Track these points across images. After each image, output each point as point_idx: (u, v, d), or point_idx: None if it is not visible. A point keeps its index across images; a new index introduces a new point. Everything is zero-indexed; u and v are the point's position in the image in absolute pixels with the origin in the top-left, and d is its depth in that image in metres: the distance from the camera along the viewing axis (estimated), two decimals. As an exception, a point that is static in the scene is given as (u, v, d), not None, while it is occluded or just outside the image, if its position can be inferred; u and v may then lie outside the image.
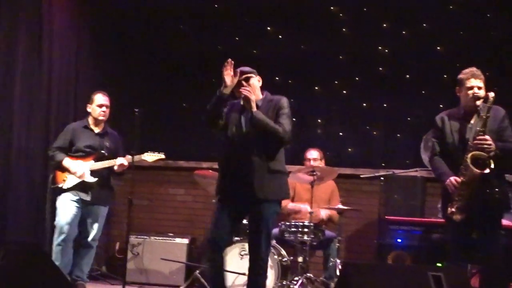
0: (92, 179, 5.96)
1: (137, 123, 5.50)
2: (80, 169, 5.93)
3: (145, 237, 7.44)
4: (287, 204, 6.57)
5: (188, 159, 8.08)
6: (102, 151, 6.05)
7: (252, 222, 4.82)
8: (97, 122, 6.17)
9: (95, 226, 6.08)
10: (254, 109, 4.67)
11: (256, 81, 4.85)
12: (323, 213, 6.68)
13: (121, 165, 5.97)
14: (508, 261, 5.67)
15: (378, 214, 6.94)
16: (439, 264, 5.31)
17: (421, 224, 6.27)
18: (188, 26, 8.31)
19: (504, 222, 5.80)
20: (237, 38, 8.20)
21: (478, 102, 4.86)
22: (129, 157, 5.95)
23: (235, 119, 4.81)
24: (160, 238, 7.45)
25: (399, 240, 6.57)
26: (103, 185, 6.07)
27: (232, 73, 4.72)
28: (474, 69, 4.95)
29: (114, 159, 5.98)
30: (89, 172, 5.96)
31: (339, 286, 4.22)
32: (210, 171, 6.80)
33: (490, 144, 4.69)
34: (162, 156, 6.18)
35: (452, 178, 4.80)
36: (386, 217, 6.50)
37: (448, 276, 4.02)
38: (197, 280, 6.72)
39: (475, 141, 4.71)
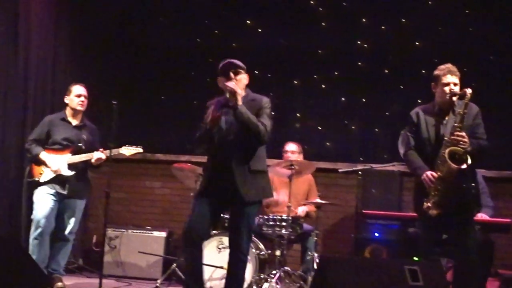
0: (69, 173, 5.92)
1: (115, 115, 5.45)
2: (56, 163, 5.89)
3: (123, 230, 7.41)
4: None
5: (166, 152, 8.06)
6: (79, 144, 6.00)
7: (234, 220, 4.85)
8: (75, 114, 6.12)
9: (72, 219, 6.04)
10: (240, 102, 4.66)
11: (244, 77, 4.84)
12: (300, 210, 6.70)
13: (98, 158, 5.93)
14: (484, 255, 5.74)
15: (355, 208, 6.97)
16: (415, 258, 5.34)
17: (398, 218, 6.29)
18: (167, 18, 8.27)
19: (481, 216, 5.88)
20: (216, 31, 8.18)
21: (454, 98, 4.89)
22: (106, 150, 5.91)
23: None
24: (138, 231, 7.42)
25: (376, 234, 6.61)
26: (79, 178, 6.02)
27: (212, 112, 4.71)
28: (449, 65, 4.97)
29: (92, 153, 5.94)
30: (66, 165, 5.92)
31: (316, 279, 4.24)
32: (188, 164, 6.78)
33: (466, 141, 4.73)
34: (140, 150, 6.15)
35: (429, 173, 4.83)
36: (364, 211, 6.52)
37: (424, 270, 4.05)
38: (174, 273, 6.71)
39: (453, 137, 4.74)
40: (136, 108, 8.10)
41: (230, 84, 4.68)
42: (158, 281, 6.56)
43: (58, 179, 5.91)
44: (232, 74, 4.75)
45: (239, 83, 4.76)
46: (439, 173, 4.78)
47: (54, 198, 5.91)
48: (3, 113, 6.70)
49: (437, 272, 4.18)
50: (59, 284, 5.92)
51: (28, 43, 6.98)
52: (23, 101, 6.93)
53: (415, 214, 5.24)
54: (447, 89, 4.89)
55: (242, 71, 4.83)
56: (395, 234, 6.48)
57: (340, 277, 3.95)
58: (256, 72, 7.85)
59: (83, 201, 6.17)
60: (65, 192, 5.93)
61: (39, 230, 5.81)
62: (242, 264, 4.77)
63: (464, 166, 4.70)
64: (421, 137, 5.00)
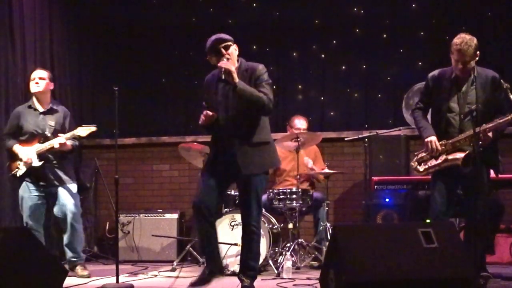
0: (39, 163, 5.74)
1: (116, 101, 5.42)
2: (26, 155, 5.76)
3: (134, 215, 7.43)
4: None
5: (171, 134, 8.06)
6: (45, 133, 5.83)
7: (242, 194, 4.87)
8: (39, 99, 5.93)
9: (68, 204, 5.84)
10: (237, 80, 4.61)
11: (233, 49, 4.80)
12: (310, 163, 6.77)
13: (62, 144, 5.70)
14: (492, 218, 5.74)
15: (364, 175, 6.98)
16: (427, 220, 5.35)
17: (407, 182, 6.31)
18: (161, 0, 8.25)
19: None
20: (211, 9, 8.13)
21: (462, 74, 4.86)
22: (63, 134, 5.72)
23: (215, 96, 4.78)
24: (150, 214, 7.45)
25: (386, 200, 6.62)
26: (53, 167, 5.85)
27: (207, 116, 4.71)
28: (463, 41, 4.78)
29: (53, 140, 5.72)
30: (36, 156, 5.75)
31: (331, 249, 4.26)
32: (195, 143, 6.79)
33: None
34: (93, 128, 5.78)
35: (434, 141, 4.86)
36: (372, 177, 6.53)
37: (437, 231, 4.06)
38: (189, 253, 6.75)
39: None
40: (137, 92, 8.09)
41: (223, 64, 4.63)
42: (174, 262, 6.59)
43: (33, 171, 5.78)
44: (223, 50, 4.71)
45: (232, 57, 4.73)
46: (443, 147, 4.84)
47: (38, 191, 5.83)
48: (5, 105, 6.68)
49: (450, 233, 4.19)
50: (84, 273, 5.85)
51: (23, 35, 6.94)
52: (24, 93, 6.88)
53: (423, 177, 5.24)
54: (454, 64, 4.85)
55: (231, 43, 4.78)
56: (405, 198, 6.49)
57: (355, 244, 3.97)
58: (254, 47, 7.84)
59: (72, 185, 5.94)
60: (44, 183, 5.82)
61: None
62: (256, 236, 4.78)
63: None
64: (437, 103, 4.98)
